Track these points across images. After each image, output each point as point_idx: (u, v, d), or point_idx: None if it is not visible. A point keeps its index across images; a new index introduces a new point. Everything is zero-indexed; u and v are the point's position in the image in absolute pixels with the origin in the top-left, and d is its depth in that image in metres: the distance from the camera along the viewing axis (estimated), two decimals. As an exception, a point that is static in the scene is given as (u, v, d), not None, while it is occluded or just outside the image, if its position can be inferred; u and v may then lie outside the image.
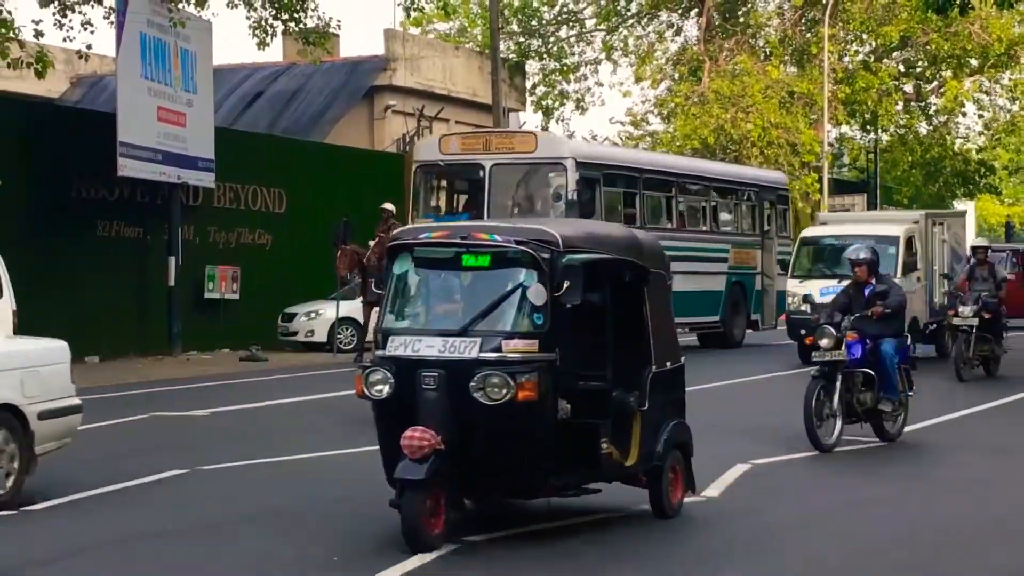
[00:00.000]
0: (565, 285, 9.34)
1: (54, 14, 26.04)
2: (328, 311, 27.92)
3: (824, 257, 25.43)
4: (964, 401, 18.81)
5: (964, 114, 54.29)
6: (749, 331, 30.25)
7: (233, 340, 28.68)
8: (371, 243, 23.77)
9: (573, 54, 52.91)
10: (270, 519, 10.83)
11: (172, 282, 27.56)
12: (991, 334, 21.87)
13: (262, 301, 29.58)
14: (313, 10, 28.52)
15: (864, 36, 50.64)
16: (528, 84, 50.95)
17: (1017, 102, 53.28)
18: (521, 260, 9.55)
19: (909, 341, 15.53)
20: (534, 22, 52.27)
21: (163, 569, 9.30)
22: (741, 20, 50.15)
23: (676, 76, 50.11)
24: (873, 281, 14.90)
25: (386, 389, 9.47)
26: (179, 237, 27.76)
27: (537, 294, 9.39)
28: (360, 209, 27.82)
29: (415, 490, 9.16)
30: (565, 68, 52.39)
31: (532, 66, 51.70)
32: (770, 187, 31.77)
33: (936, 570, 9.44)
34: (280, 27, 28.89)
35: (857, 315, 14.64)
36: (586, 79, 52.99)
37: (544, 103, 52.23)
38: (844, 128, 53.57)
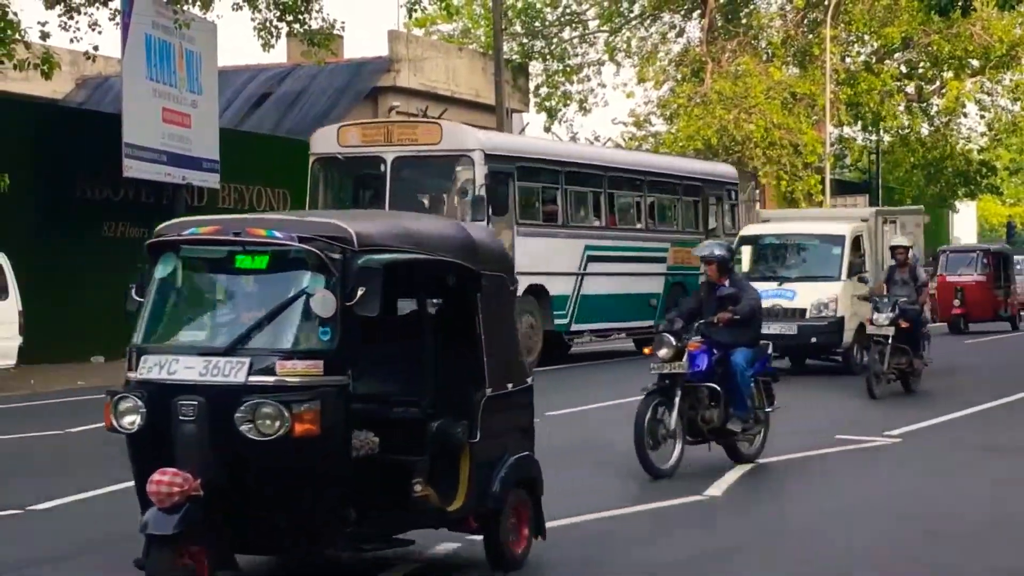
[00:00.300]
0: (360, 292, 7.59)
1: (60, 16, 26.17)
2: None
3: (765, 258, 23.88)
4: (964, 401, 18.80)
5: (965, 115, 54.47)
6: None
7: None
8: None
9: (576, 55, 53.01)
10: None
11: (176, 282, 27.60)
12: (909, 345, 19.52)
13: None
14: (317, 12, 28.58)
15: (866, 37, 50.78)
16: (531, 85, 51.04)
17: (1018, 102, 53.37)
18: (306, 261, 7.78)
19: (771, 349, 13.90)
20: (537, 23, 52.34)
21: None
22: (743, 21, 50.24)
23: (679, 77, 50.20)
24: (726, 283, 13.33)
25: (137, 420, 7.67)
26: (183, 238, 27.78)
27: (323, 303, 7.58)
28: (363, 210, 27.89)
29: (162, 547, 7.43)
30: (568, 69, 52.48)
31: (535, 67, 51.77)
32: (716, 181, 30.16)
33: (936, 569, 9.46)
34: (285, 29, 28.94)
35: (702, 321, 13.13)
36: (589, 80, 53.12)
37: (547, 104, 52.33)
38: (845, 129, 53.70)
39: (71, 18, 26.34)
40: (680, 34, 51.97)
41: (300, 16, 28.50)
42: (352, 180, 24.25)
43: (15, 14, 23.54)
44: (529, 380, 9.10)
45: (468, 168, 22.70)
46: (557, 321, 24.98)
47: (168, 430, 7.54)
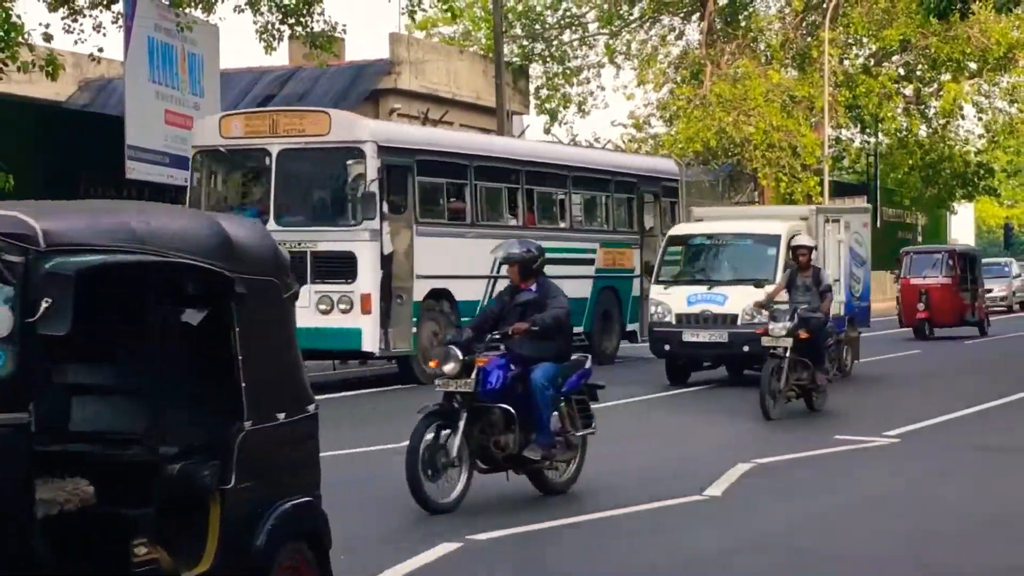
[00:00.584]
0: (44, 305, 5.52)
1: (63, 19, 26.29)
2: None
3: (695, 259, 22.29)
4: (963, 401, 18.82)
5: (963, 117, 54.65)
6: (626, 343, 26.46)
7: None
8: None
9: (576, 58, 53.15)
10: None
11: (179, 283, 27.73)
12: (811, 358, 17.22)
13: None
14: (319, 14, 28.70)
15: (864, 40, 50.91)
16: (532, 87, 51.14)
17: (1016, 105, 53.54)
18: None
19: (588, 364, 11.95)
20: (538, 26, 52.47)
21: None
22: (742, 24, 50.36)
23: (678, 79, 50.34)
24: (533, 287, 11.51)
25: None
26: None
27: None
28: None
29: None
30: (568, 72, 52.60)
31: (536, 69, 51.88)
32: (652, 177, 27.77)
33: (936, 568, 9.48)
34: (287, 31, 29.07)
35: (498, 333, 11.25)
36: (589, 82, 53.25)
37: (547, 106, 52.45)
38: (843, 131, 53.84)
39: (75, 21, 26.47)
40: (679, 37, 52.12)
41: (302, 19, 28.60)
42: (236, 174, 22.56)
43: (19, 17, 23.66)
44: (312, 408, 7.11)
45: (359, 161, 20.66)
46: None
47: None
